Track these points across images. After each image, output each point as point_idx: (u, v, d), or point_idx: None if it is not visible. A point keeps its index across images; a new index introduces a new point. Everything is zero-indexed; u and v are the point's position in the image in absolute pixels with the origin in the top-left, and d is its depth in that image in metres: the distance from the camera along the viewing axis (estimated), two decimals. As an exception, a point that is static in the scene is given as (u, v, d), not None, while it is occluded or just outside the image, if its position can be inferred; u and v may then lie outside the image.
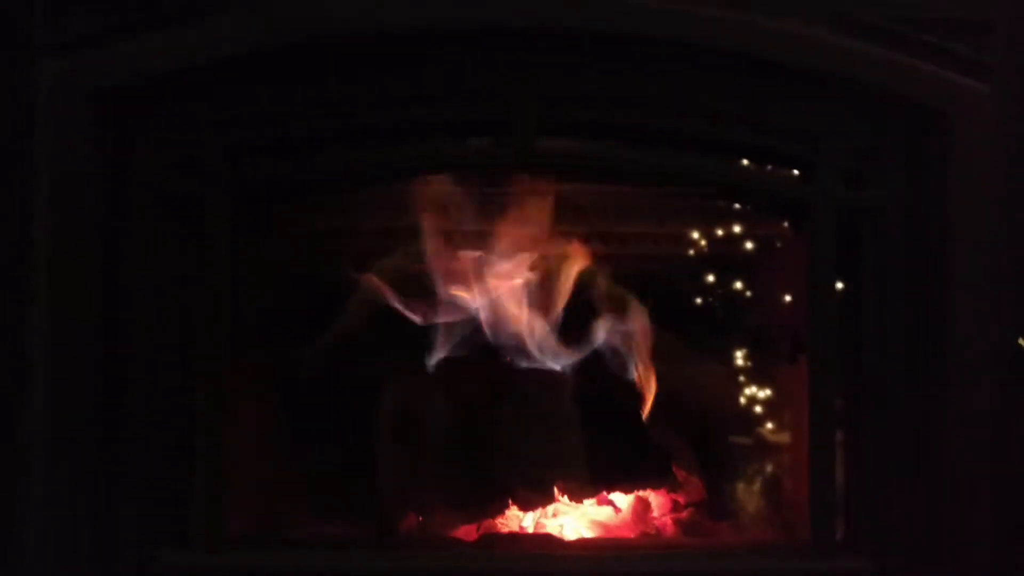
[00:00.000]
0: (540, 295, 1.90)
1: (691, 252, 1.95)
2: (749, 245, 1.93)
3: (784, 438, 1.87)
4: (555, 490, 1.75)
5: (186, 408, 1.57)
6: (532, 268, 1.88)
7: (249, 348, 1.70)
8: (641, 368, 1.89)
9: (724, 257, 1.96)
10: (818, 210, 1.58)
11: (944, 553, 1.55)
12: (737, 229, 1.92)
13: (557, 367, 1.84)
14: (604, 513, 1.79)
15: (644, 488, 1.79)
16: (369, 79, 1.54)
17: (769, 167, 1.66)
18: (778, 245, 1.87)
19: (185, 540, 1.55)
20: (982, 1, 1.55)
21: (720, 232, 1.93)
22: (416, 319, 1.82)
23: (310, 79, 1.54)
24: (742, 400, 1.96)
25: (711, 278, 1.98)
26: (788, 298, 1.82)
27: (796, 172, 1.64)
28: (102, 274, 1.52)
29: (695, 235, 1.94)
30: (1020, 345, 1.54)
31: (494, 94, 1.55)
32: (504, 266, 1.86)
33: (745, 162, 1.65)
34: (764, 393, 1.93)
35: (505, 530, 1.72)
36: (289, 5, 1.50)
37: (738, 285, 1.98)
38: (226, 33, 1.50)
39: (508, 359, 1.83)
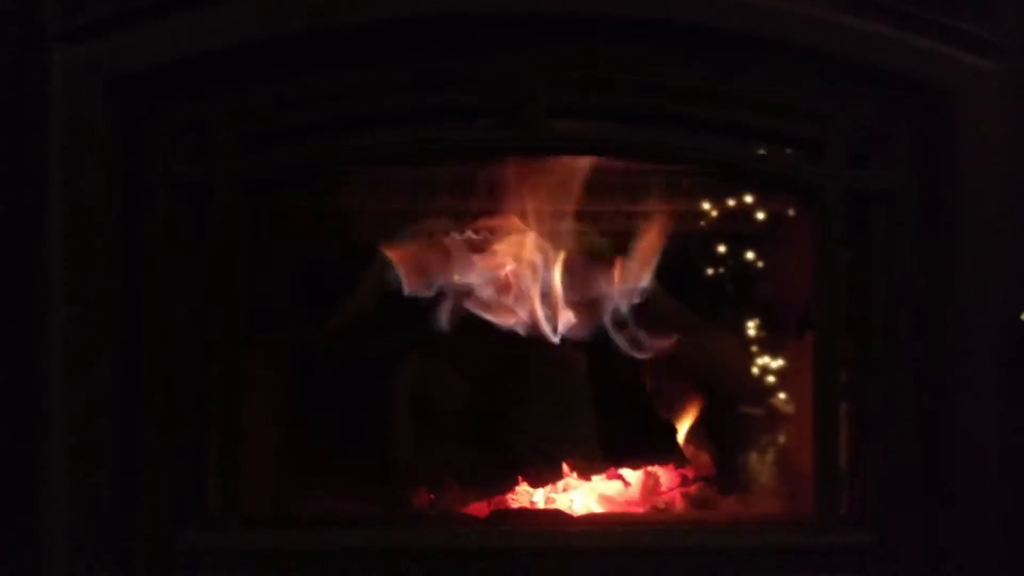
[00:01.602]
0: (552, 272, 1.92)
1: (701, 225, 1.95)
2: (759, 218, 1.92)
3: (791, 412, 1.88)
4: (564, 467, 1.77)
5: (202, 389, 1.59)
6: (543, 245, 1.89)
7: (262, 328, 1.72)
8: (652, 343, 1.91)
9: (732, 233, 1.96)
10: (826, 191, 1.58)
11: (948, 528, 1.57)
12: (748, 200, 1.91)
13: (568, 343, 1.86)
14: (613, 487, 1.81)
15: (653, 464, 1.81)
16: (379, 65, 1.54)
17: (777, 147, 1.66)
18: (790, 214, 1.86)
19: (203, 520, 1.58)
20: (990, -21, 1.54)
21: (730, 205, 1.92)
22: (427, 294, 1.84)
23: (322, 65, 1.55)
24: (750, 374, 1.97)
25: (720, 253, 1.99)
26: (797, 272, 1.82)
27: (805, 152, 1.63)
28: (117, 259, 1.53)
29: (704, 209, 1.94)
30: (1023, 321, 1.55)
31: (504, 78, 1.56)
32: (514, 244, 1.87)
33: (753, 142, 1.65)
34: (772, 368, 1.94)
35: (515, 506, 1.74)
36: (299, -8, 1.51)
37: (747, 259, 1.98)
38: (238, 20, 1.50)
39: (519, 335, 1.85)
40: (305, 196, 1.84)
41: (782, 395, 1.91)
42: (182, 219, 1.57)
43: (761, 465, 1.91)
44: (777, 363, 1.93)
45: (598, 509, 1.76)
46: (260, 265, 1.69)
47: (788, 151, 1.65)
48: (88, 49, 1.50)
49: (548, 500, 1.77)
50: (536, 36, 1.54)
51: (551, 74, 1.55)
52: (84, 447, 1.52)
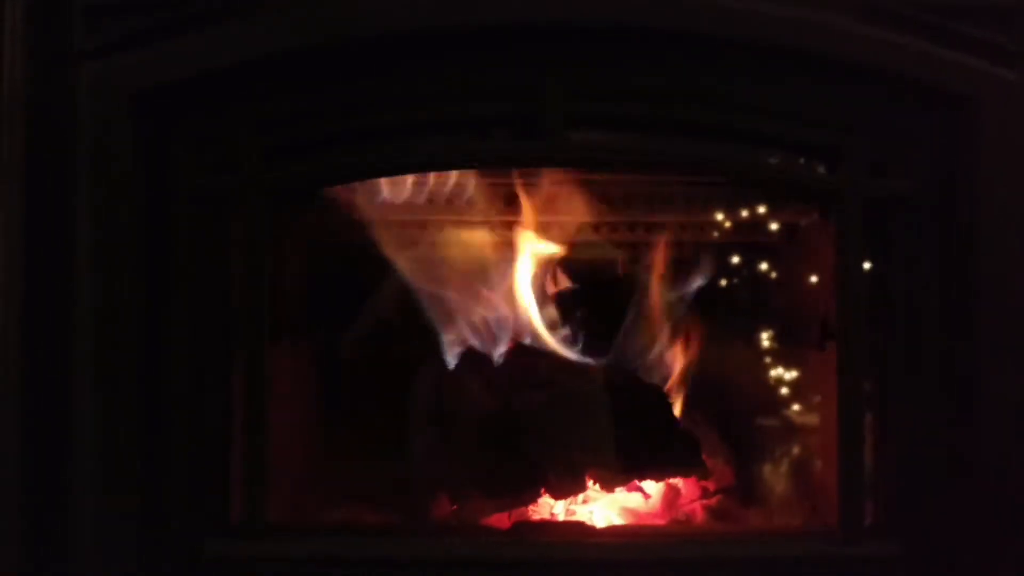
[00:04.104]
0: (569, 283, 1.93)
1: (717, 236, 1.95)
2: (775, 228, 1.92)
3: (813, 422, 1.88)
4: (586, 479, 1.76)
5: (227, 396, 1.59)
6: (562, 257, 1.90)
7: (285, 336, 1.73)
8: (670, 355, 1.91)
9: (749, 242, 1.96)
10: (845, 200, 1.58)
11: (975, 538, 1.56)
12: (763, 211, 1.91)
13: (588, 355, 1.86)
14: (634, 499, 1.81)
15: (675, 476, 1.80)
16: (400, 76, 1.56)
17: (796, 156, 1.66)
18: (807, 224, 1.86)
19: (228, 528, 1.58)
20: (1010, -13, 1.54)
21: (746, 216, 1.92)
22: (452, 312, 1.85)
23: (345, 77, 1.56)
24: (770, 384, 1.96)
25: (736, 263, 1.99)
26: (817, 281, 1.82)
27: (824, 161, 1.64)
28: (143, 270, 1.55)
29: (721, 219, 1.94)
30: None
31: (523, 89, 1.56)
32: (534, 255, 1.88)
33: (772, 151, 1.65)
34: (792, 377, 1.94)
35: (536, 517, 1.74)
36: (321, 5, 1.52)
37: (764, 270, 1.98)
38: (260, 34, 1.52)
39: (539, 347, 1.85)
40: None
41: (803, 405, 1.90)
42: (206, 228, 1.58)
43: (783, 476, 1.90)
44: (798, 373, 1.92)
45: (618, 520, 1.76)
46: (284, 272, 1.71)
47: (807, 159, 1.65)
48: (113, 63, 1.52)
49: (568, 512, 1.77)
50: (554, 46, 1.54)
51: (569, 84, 1.55)
52: (109, 455, 1.53)
